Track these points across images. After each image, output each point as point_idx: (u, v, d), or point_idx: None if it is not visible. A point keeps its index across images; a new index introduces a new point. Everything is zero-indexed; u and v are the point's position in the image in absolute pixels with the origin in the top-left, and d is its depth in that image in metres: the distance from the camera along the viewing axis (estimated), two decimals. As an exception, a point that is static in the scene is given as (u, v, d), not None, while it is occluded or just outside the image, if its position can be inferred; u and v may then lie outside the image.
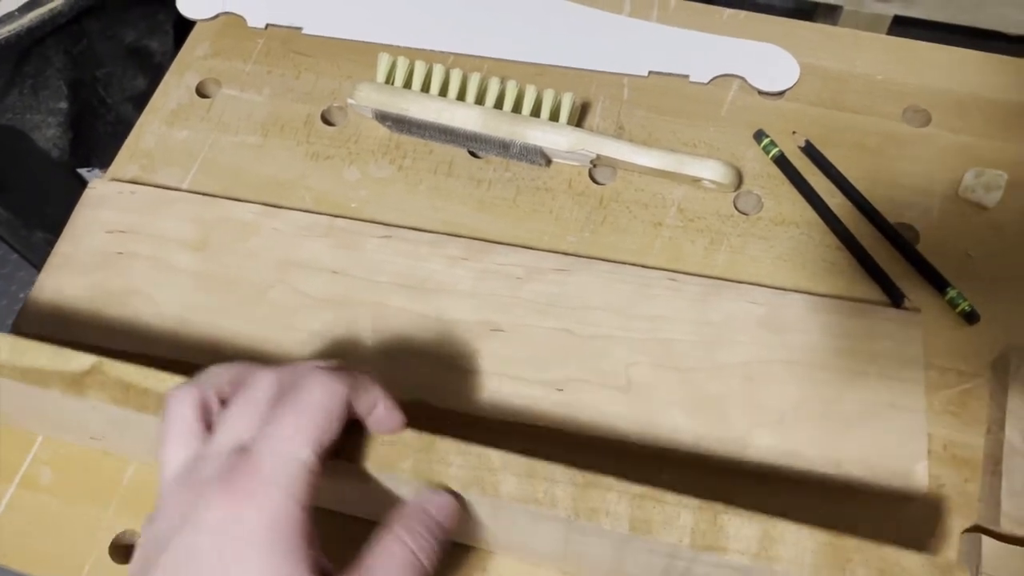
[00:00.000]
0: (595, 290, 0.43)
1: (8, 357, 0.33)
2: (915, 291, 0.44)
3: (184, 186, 0.49)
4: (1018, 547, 0.36)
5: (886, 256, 0.45)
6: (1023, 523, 0.36)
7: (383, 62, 0.48)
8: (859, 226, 0.46)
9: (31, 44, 0.83)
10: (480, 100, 0.47)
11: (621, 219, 0.47)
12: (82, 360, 0.33)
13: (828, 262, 0.45)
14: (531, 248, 0.45)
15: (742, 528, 0.29)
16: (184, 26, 0.95)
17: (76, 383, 0.33)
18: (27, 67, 0.86)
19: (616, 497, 0.30)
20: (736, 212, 0.47)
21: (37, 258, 1.16)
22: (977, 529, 0.37)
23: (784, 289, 0.44)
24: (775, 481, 0.39)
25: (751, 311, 0.42)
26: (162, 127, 0.51)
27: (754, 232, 0.46)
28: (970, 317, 0.43)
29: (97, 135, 0.95)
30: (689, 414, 0.39)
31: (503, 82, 0.47)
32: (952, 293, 0.43)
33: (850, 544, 0.28)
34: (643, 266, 0.44)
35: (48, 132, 0.91)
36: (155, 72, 0.96)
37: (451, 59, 0.53)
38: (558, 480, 0.30)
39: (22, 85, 0.88)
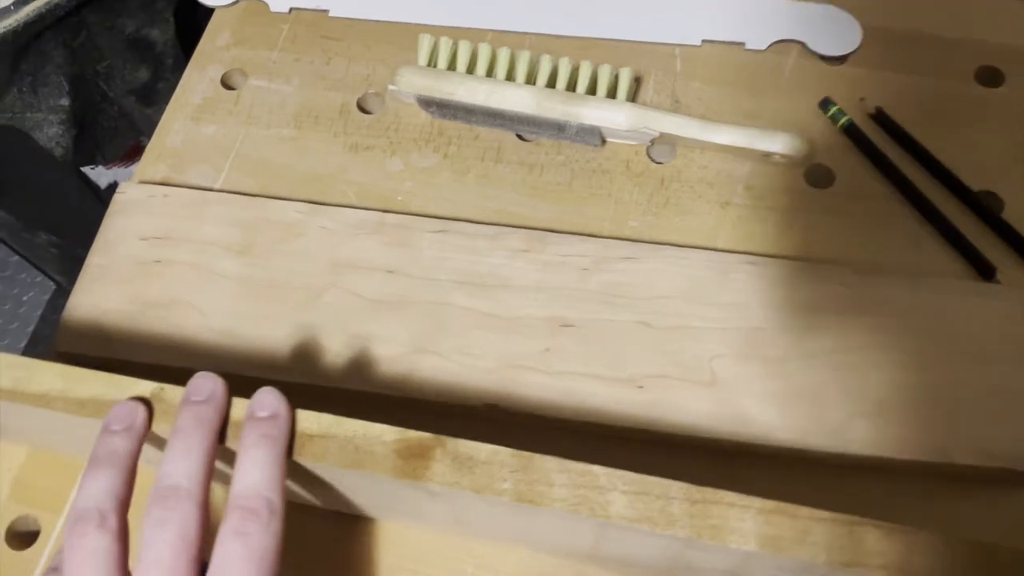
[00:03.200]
0: (668, 278, 0.40)
1: (62, 388, 0.30)
2: (1004, 262, 0.41)
3: (217, 186, 0.46)
4: None
5: (970, 227, 0.42)
6: None
7: (425, 44, 0.45)
8: (939, 196, 0.43)
9: (29, 40, 0.79)
10: (531, 79, 0.44)
11: (685, 200, 0.44)
12: (141, 387, 0.30)
13: (910, 236, 0.42)
14: (593, 236, 0.43)
15: (880, 542, 0.27)
16: (184, 14, 0.91)
17: (138, 412, 0.30)
18: (25, 64, 0.83)
19: (739, 513, 0.27)
20: (807, 187, 0.44)
21: (41, 261, 1.13)
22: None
23: (867, 267, 0.41)
24: (877, 473, 0.37)
25: (839, 293, 0.39)
26: (188, 123, 0.48)
27: (828, 207, 0.44)
28: (1067, 288, 0.40)
29: (100, 131, 0.92)
30: (781, 407, 0.37)
31: (555, 59, 0.44)
32: (1046, 263, 0.41)
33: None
34: (713, 249, 0.42)
35: (50, 131, 0.88)
36: (157, 63, 0.92)
37: (489, 36, 0.50)
38: (673, 497, 0.28)
39: (20, 83, 0.85)
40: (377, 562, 0.36)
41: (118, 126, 0.93)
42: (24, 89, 0.86)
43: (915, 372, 0.37)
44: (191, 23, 0.94)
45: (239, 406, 0.30)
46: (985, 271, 0.41)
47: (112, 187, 0.99)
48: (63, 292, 1.35)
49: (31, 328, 1.40)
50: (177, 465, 0.27)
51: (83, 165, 0.95)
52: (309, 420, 0.30)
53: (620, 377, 0.38)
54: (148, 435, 0.29)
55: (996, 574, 0.26)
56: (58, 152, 0.89)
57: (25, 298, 1.42)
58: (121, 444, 0.28)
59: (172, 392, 0.30)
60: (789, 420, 0.37)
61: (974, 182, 0.43)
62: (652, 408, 0.38)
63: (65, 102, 0.87)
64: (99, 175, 0.98)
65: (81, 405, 0.30)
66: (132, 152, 0.97)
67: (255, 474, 0.27)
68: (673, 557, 0.30)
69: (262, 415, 0.29)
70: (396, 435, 0.29)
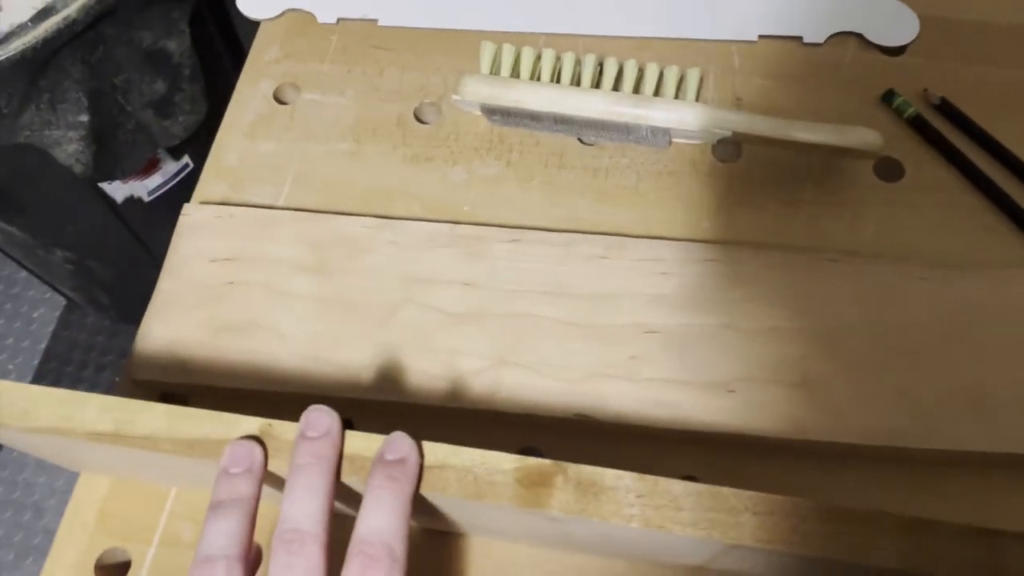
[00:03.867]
0: (749, 279, 0.40)
1: (167, 428, 0.30)
2: (1082, 250, 0.41)
3: (280, 203, 0.45)
4: None
5: (1045, 215, 0.42)
6: None
7: (487, 51, 0.44)
8: (1012, 186, 0.43)
9: (47, 56, 0.78)
10: (594, 83, 0.44)
11: (755, 198, 0.44)
12: (248, 424, 0.30)
13: (985, 228, 0.42)
14: (665, 238, 0.42)
15: (1021, 551, 0.26)
16: (199, 25, 0.90)
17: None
18: (43, 80, 0.82)
19: (875, 530, 0.27)
20: (878, 181, 0.44)
21: (54, 277, 1.12)
22: None
23: (943, 261, 0.41)
24: (971, 468, 0.37)
25: (922, 288, 0.39)
26: (243, 141, 0.47)
27: (900, 201, 0.43)
28: None
29: (118, 145, 0.91)
30: (876, 406, 0.37)
31: (620, 61, 0.44)
32: (1126, 249, 0.40)
33: None
34: (788, 247, 0.42)
35: (69, 148, 0.87)
36: (174, 75, 0.91)
37: (541, 40, 0.49)
38: (805, 515, 0.27)
39: (38, 100, 0.84)
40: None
41: (136, 140, 0.92)
42: (42, 106, 0.85)
43: (1005, 366, 0.37)
44: (205, 33, 0.93)
45: (353, 439, 0.29)
46: (1064, 259, 0.41)
47: (129, 201, 0.98)
48: (75, 307, 1.34)
49: (43, 345, 1.39)
50: (301, 507, 0.27)
51: (101, 181, 0.94)
52: (425, 451, 0.29)
53: (709, 382, 0.38)
54: (266, 475, 0.29)
55: None
56: (78, 169, 0.88)
57: (35, 315, 1.41)
58: (243, 487, 0.28)
59: (281, 428, 0.30)
60: (884, 419, 0.37)
61: (1045, 170, 0.43)
62: (744, 412, 0.37)
63: (84, 118, 0.86)
64: (115, 189, 0.97)
65: (190, 446, 0.29)
66: (149, 165, 0.96)
67: (380, 519, 0.27)
68: (795, 571, 0.30)
69: (391, 458, 0.28)
70: (515, 463, 0.29)
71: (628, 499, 0.28)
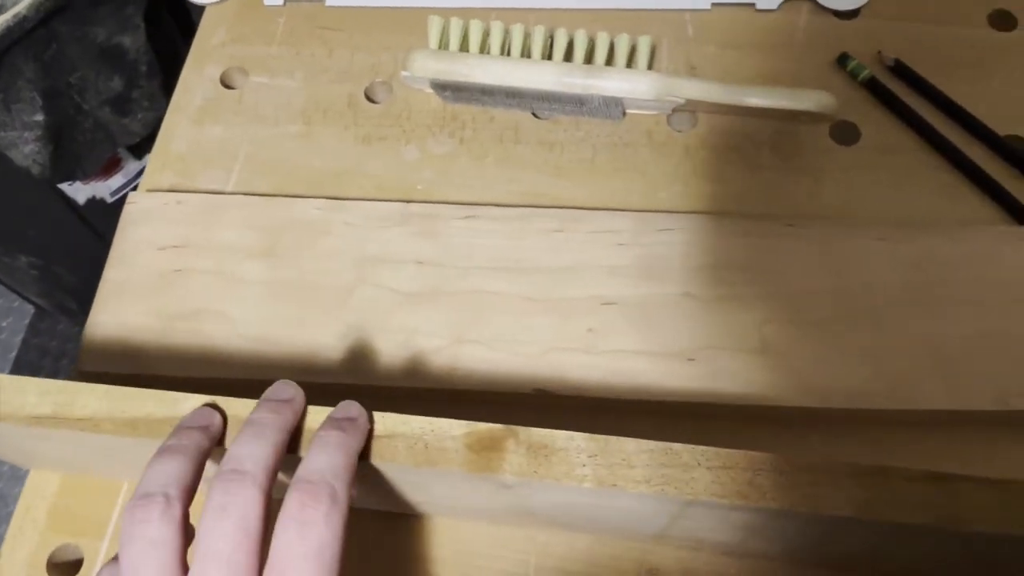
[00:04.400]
0: (707, 247, 0.39)
1: (108, 409, 0.29)
2: (1039, 206, 0.41)
3: (229, 188, 0.44)
4: None
5: (1001, 172, 0.42)
6: None
7: (435, 26, 0.43)
8: (967, 144, 0.43)
9: (-2, 55, 0.76)
10: (546, 55, 0.43)
11: (712, 166, 0.43)
12: (192, 402, 0.29)
13: (942, 186, 0.42)
14: (624, 210, 0.42)
15: (977, 495, 0.26)
16: (154, 19, 0.89)
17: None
18: (-6, 81, 0.80)
19: (830, 480, 0.26)
20: (834, 144, 0.44)
21: (20, 284, 1.10)
22: None
23: (902, 221, 0.41)
24: (936, 427, 0.37)
25: (880, 248, 0.39)
26: (191, 127, 0.46)
27: (858, 163, 0.43)
28: (1104, 226, 0.40)
29: (77, 145, 0.89)
30: (837, 368, 0.37)
31: (570, 32, 0.43)
32: (1082, 203, 0.40)
33: None
34: (746, 214, 0.41)
35: (26, 148, 0.85)
36: (130, 71, 0.90)
37: (493, 15, 0.48)
38: (760, 468, 0.27)
39: (-9, 101, 0.82)
40: (436, 558, 0.35)
41: (95, 139, 0.91)
42: (-4, 107, 0.83)
43: (965, 322, 0.37)
44: (162, 28, 0.91)
45: (310, 413, 0.28)
46: (1020, 215, 0.41)
47: (91, 203, 0.96)
48: (45, 315, 1.32)
49: (13, 354, 1.37)
50: (245, 447, 0.25)
51: (61, 182, 0.92)
52: (375, 420, 0.28)
53: (669, 351, 0.37)
54: (219, 445, 0.28)
55: None
56: (35, 170, 0.86)
57: (4, 324, 1.38)
58: (195, 438, 0.27)
59: (225, 403, 0.29)
60: (846, 382, 0.36)
61: (999, 127, 0.43)
62: (705, 380, 0.37)
63: (39, 117, 0.84)
64: (76, 191, 0.95)
65: (132, 426, 0.29)
66: (110, 165, 0.95)
67: (323, 460, 0.26)
68: (754, 528, 0.30)
69: (340, 416, 0.27)
70: (465, 429, 0.28)
71: (580, 459, 0.28)
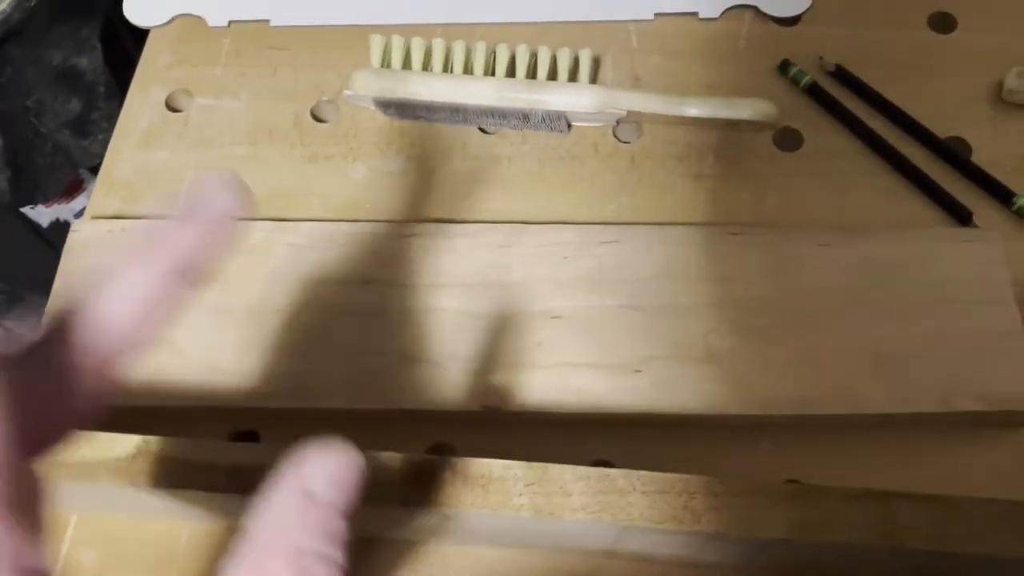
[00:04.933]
0: (653, 258, 0.40)
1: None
2: (979, 206, 0.41)
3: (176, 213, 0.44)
4: None
5: (942, 174, 0.42)
6: None
7: (376, 44, 0.43)
8: (907, 147, 0.43)
9: (-49, 81, 0.76)
10: (489, 70, 0.43)
11: (658, 177, 0.44)
12: (126, 444, 0.29)
13: (884, 189, 0.42)
14: (570, 223, 0.42)
15: (912, 513, 0.26)
16: (110, 39, 0.88)
17: (125, 471, 0.28)
18: (-51, 107, 0.79)
19: (765, 502, 0.27)
20: (777, 151, 0.44)
21: (-17, 315, 1.08)
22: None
23: (845, 225, 0.41)
24: (882, 429, 0.37)
25: (822, 253, 0.39)
26: (136, 152, 0.46)
27: (800, 169, 0.43)
28: (1042, 224, 0.41)
29: (37, 169, 0.88)
30: (781, 375, 0.37)
31: (512, 48, 0.43)
32: (1020, 202, 0.41)
33: None
34: (692, 223, 0.41)
35: (-16, 174, 0.84)
36: (88, 93, 0.89)
37: (438, 31, 0.48)
38: (695, 492, 0.27)
39: (-54, 127, 0.81)
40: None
41: (55, 162, 0.90)
42: (-49, 133, 0.82)
43: (906, 324, 0.37)
44: (119, 48, 0.91)
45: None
46: (962, 216, 0.41)
47: (55, 225, 0.96)
48: (11, 338, 1.30)
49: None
50: None
51: (22, 206, 0.91)
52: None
53: (615, 363, 0.37)
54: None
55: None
56: (-5, 196, 0.85)
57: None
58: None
59: (158, 443, 0.29)
60: (790, 388, 0.36)
61: (940, 129, 0.43)
62: (652, 391, 0.37)
63: (-3, 143, 0.83)
64: (39, 214, 0.94)
65: (66, 470, 0.28)
66: (72, 188, 0.94)
67: None
68: (698, 547, 0.30)
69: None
70: (399, 461, 0.28)
71: (517, 488, 0.28)
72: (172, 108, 0.47)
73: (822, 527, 0.26)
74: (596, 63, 0.46)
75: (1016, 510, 0.26)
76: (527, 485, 0.28)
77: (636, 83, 0.46)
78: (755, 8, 0.48)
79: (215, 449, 0.29)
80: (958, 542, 0.26)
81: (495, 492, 0.28)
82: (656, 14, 0.48)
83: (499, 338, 0.38)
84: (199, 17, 0.50)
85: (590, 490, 0.27)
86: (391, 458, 0.28)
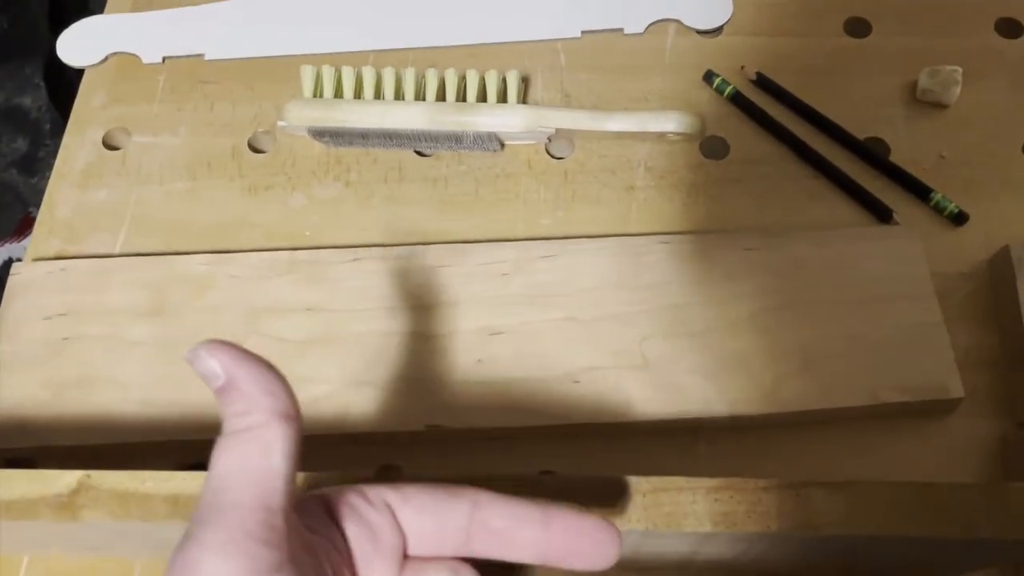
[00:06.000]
0: (588, 270, 0.41)
1: (-20, 492, 0.29)
2: (899, 204, 0.43)
3: (117, 251, 0.44)
4: (1066, 437, 0.36)
5: (862, 174, 0.44)
6: (1064, 412, 0.36)
7: (308, 75, 0.44)
8: (829, 149, 0.45)
9: None
10: (420, 95, 0.44)
11: (591, 190, 0.45)
12: (67, 479, 0.29)
13: (808, 192, 0.44)
14: (508, 240, 0.43)
15: (827, 501, 0.27)
16: (54, 77, 0.88)
17: (66, 506, 0.29)
18: None
19: (690, 497, 0.28)
20: (705, 160, 0.45)
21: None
22: (1022, 428, 0.37)
23: (772, 229, 0.42)
24: (813, 426, 0.38)
25: (749, 258, 0.40)
26: (75, 192, 0.46)
27: (728, 176, 0.45)
28: (959, 218, 0.42)
29: (-16, 209, 0.88)
30: (713, 378, 0.38)
31: (440, 72, 0.44)
32: (937, 197, 0.42)
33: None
34: (627, 234, 0.43)
35: (-69, 217, 0.83)
36: (34, 131, 0.89)
37: (371, 58, 0.49)
38: (620, 493, 0.28)
39: None
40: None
41: (3, 201, 0.89)
42: None
43: (833, 322, 0.39)
44: (64, 85, 0.90)
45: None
46: (883, 214, 0.43)
47: (7, 264, 0.95)
48: None
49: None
50: None
51: (-30, 246, 0.90)
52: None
53: (555, 376, 0.38)
54: None
55: (941, 510, 0.27)
56: (-57, 237, 0.85)
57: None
58: None
59: (99, 478, 0.29)
60: (723, 391, 0.38)
61: (859, 131, 0.45)
62: (591, 401, 0.38)
63: (-57, 185, 0.83)
64: (-10, 254, 0.93)
65: (7, 509, 0.29)
66: (23, 226, 0.93)
67: None
68: (634, 545, 0.31)
69: None
70: (336, 480, 0.29)
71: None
72: (110, 146, 0.48)
73: (746, 518, 0.27)
74: (526, 82, 0.48)
75: (927, 491, 0.27)
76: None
77: (566, 100, 0.47)
78: (678, 22, 0.49)
79: (154, 479, 0.29)
80: (873, 525, 0.27)
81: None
82: (583, 31, 0.49)
83: (441, 358, 0.39)
84: (133, 55, 0.50)
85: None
86: (326, 479, 0.29)
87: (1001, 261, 0.40)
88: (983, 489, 0.26)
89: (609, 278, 0.41)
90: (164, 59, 0.50)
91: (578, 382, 0.38)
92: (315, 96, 0.44)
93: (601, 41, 0.49)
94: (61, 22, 0.78)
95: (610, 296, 0.40)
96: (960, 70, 0.45)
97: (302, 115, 0.43)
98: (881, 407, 0.37)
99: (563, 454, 0.39)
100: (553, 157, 0.46)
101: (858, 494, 0.27)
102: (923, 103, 0.46)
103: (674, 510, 0.27)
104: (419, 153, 0.46)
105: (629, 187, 0.45)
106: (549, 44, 0.49)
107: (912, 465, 0.37)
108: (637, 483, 0.28)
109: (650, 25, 0.49)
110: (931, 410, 0.38)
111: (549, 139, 0.46)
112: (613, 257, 0.41)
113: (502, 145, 0.46)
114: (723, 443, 0.38)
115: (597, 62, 0.48)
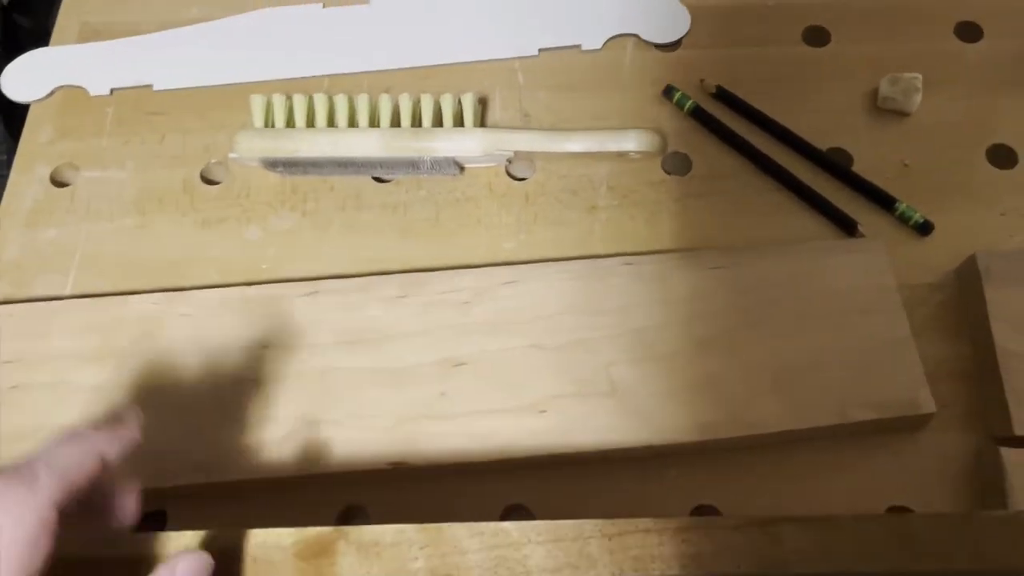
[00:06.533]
0: (551, 294, 0.40)
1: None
2: (864, 214, 0.42)
3: (67, 292, 0.43)
4: (1038, 449, 0.35)
5: (826, 185, 0.43)
6: (1037, 424, 0.35)
7: (257, 105, 0.43)
8: (792, 161, 0.44)
9: None
10: (375, 121, 0.43)
11: (553, 211, 0.44)
12: None
13: (772, 205, 0.43)
14: (470, 267, 0.42)
15: (797, 538, 0.27)
16: (8, 109, 0.86)
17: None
18: None
19: (657, 539, 0.27)
20: (667, 176, 0.45)
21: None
22: (995, 441, 0.36)
23: (737, 245, 0.42)
24: (784, 446, 0.37)
25: (715, 277, 0.40)
26: (23, 231, 0.45)
27: (690, 192, 0.44)
28: (924, 228, 0.42)
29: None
30: (683, 402, 0.37)
31: (395, 97, 0.43)
32: (901, 207, 0.42)
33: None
34: (591, 256, 0.42)
35: None
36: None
37: (326, 83, 0.48)
38: (589, 536, 0.27)
39: None
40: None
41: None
42: None
43: (800, 340, 0.38)
44: (19, 115, 0.88)
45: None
46: (848, 226, 0.42)
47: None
48: None
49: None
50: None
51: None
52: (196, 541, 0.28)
53: (521, 406, 0.37)
54: None
55: (913, 543, 0.26)
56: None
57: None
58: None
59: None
60: (692, 415, 0.37)
61: (822, 141, 0.45)
62: (558, 431, 0.37)
63: None
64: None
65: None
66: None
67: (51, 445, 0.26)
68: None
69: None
70: (293, 537, 0.28)
71: (412, 552, 0.27)
72: (58, 183, 0.46)
73: (714, 559, 0.26)
74: (483, 104, 0.47)
75: (898, 524, 0.26)
76: (422, 548, 0.27)
77: (525, 119, 0.47)
78: (636, 36, 0.48)
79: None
80: (845, 561, 0.26)
81: (390, 559, 0.27)
82: (540, 49, 0.48)
83: (402, 393, 0.38)
84: (80, 88, 0.49)
85: (485, 546, 0.27)
86: (285, 535, 0.28)
87: (968, 271, 0.40)
88: (956, 519, 0.26)
89: (573, 303, 0.40)
90: (112, 91, 0.49)
91: (544, 412, 0.37)
92: (266, 126, 0.43)
93: (559, 59, 0.48)
94: (17, 50, 0.77)
95: (574, 321, 0.39)
96: (920, 77, 0.45)
97: (253, 146, 0.42)
98: (852, 425, 0.37)
99: (531, 487, 0.38)
100: (514, 178, 0.45)
101: (828, 529, 0.26)
102: (885, 111, 0.45)
103: (641, 553, 0.27)
104: (377, 179, 0.45)
105: (591, 207, 0.44)
106: (507, 63, 0.48)
107: (886, 483, 0.37)
108: (603, 526, 0.27)
109: (608, 41, 0.48)
110: (902, 426, 0.37)
111: (509, 161, 0.45)
112: (576, 281, 0.40)
113: (462, 168, 0.45)
114: (693, 468, 0.38)
115: (556, 80, 0.48)
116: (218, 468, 0.37)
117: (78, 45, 0.50)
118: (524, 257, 0.43)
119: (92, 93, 0.49)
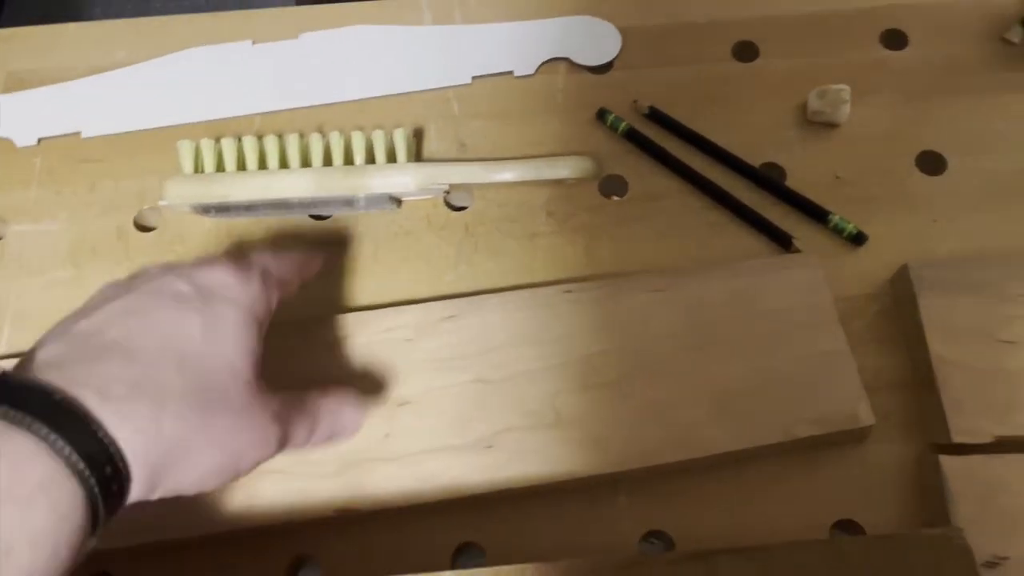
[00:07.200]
0: (494, 327, 0.40)
1: None
2: (799, 228, 0.43)
3: (1, 351, 0.42)
4: (977, 456, 0.36)
5: (761, 201, 0.44)
6: (973, 431, 0.36)
7: (185, 150, 0.42)
8: (726, 179, 0.45)
9: None
10: (306, 161, 0.43)
11: (493, 241, 0.44)
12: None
13: (709, 224, 0.44)
14: (411, 302, 0.41)
15: (735, 568, 0.27)
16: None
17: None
18: None
19: None
20: (604, 200, 0.45)
21: None
22: (934, 449, 0.37)
23: (677, 265, 0.42)
24: (733, 466, 0.38)
25: (656, 300, 0.40)
26: (-48, 290, 0.44)
27: (629, 215, 0.44)
28: (858, 239, 0.42)
29: None
30: (629, 428, 0.37)
31: (325, 135, 0.43)
32: (835, 220, 0.42)
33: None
34: (533, 284, 0.42)
35: None
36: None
37: (257, 121, 0.48)
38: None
39: None
40: None
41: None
42: None
43: (742, 359, 0.38)
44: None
45: None
46: (784, 241, 0.42)
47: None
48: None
49: None
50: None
51: None
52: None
53: (467, 443, 0.37)
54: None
55: (845, 565, 0.26)
56: None
57: None
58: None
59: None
60: (638, 440, 0.37)
61: (755, 157, 0.45)
62: (505, 465, 0.37)
63: None
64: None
65: None
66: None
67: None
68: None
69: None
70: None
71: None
72: (-14, 238, 0.45)
73: (657, 597, 0.26)
74: (418, 135, 0.46)
75: (831, 549, 0.26)
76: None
77: (462, 149, 0.46)
78: (568, 60, 0.49)
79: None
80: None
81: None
82: (473, 77, 0.48)
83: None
84: (5, 139, 0.48)
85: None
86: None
87: (901, 280, 0.40)
88: (887, 541, 0.26)
89: (516, 334, 0.40)
90: (39, 140, 0.48)
91: (491, 447, 0.37)
92: (196, 171, 0.42)
93: (492, 86, 0.48)
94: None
95: (518, 353, 0.39)
96: (848, 88, 0.45)
97: (183, 192, 0.42)
98: (796, 441, 0.37)
99: (482, 523, 0.37)
100: (453, 208, 0.45)
101: (767, 559, 0.27)
102: (815, 124, 0.46)
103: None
104: (315, 217, 0.45)
105: (532, 234, 0.44)
106: (441, 93, 0.48)
107: (833, 497, 0.37)
108: (545, 570, 0.27)
109: (540, 66, 0.49)
110: (845, 439, 0.38)
111: (447, 192, 0.45)
112: (519, 312, 0.40)
113: (399, 202, 0.44)
114: (643, 492, 0.38)
115: (491, 108, 0.48)
116: (159, 526, 0.36)
117: (2, 96, 0.49)
118: (466, 289, 0.42)
119: (19, 144, 0.47)
